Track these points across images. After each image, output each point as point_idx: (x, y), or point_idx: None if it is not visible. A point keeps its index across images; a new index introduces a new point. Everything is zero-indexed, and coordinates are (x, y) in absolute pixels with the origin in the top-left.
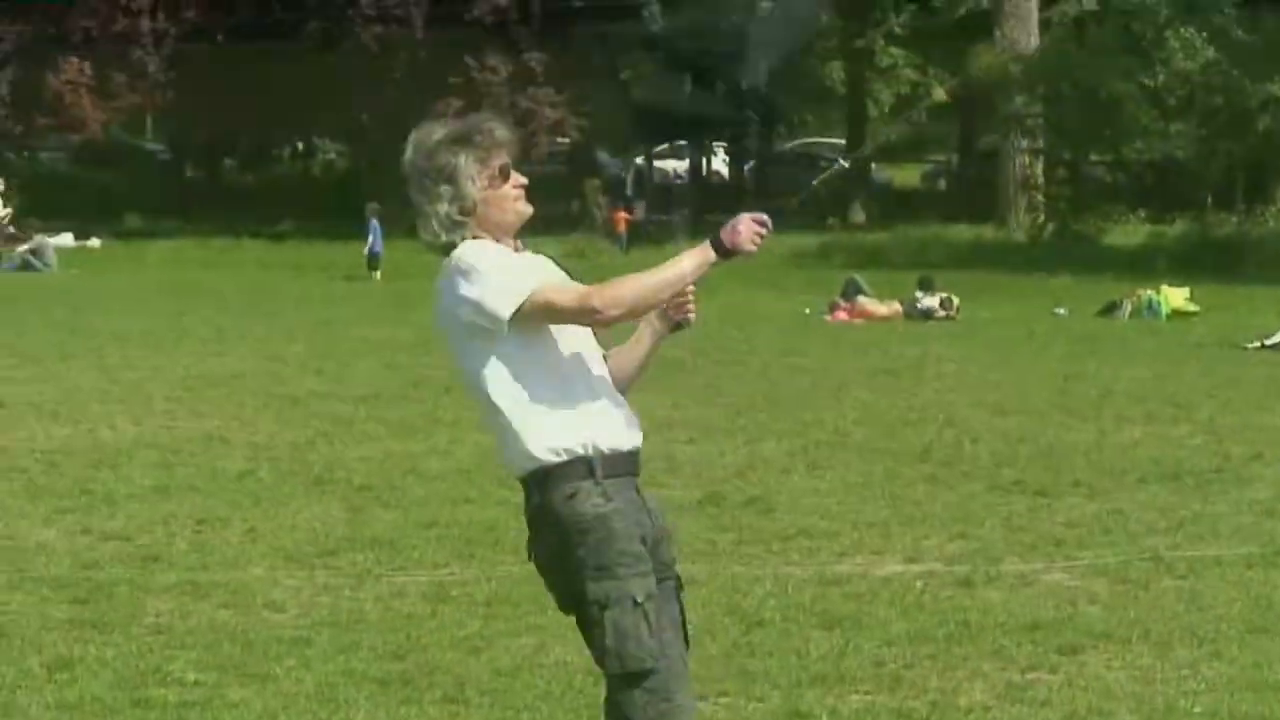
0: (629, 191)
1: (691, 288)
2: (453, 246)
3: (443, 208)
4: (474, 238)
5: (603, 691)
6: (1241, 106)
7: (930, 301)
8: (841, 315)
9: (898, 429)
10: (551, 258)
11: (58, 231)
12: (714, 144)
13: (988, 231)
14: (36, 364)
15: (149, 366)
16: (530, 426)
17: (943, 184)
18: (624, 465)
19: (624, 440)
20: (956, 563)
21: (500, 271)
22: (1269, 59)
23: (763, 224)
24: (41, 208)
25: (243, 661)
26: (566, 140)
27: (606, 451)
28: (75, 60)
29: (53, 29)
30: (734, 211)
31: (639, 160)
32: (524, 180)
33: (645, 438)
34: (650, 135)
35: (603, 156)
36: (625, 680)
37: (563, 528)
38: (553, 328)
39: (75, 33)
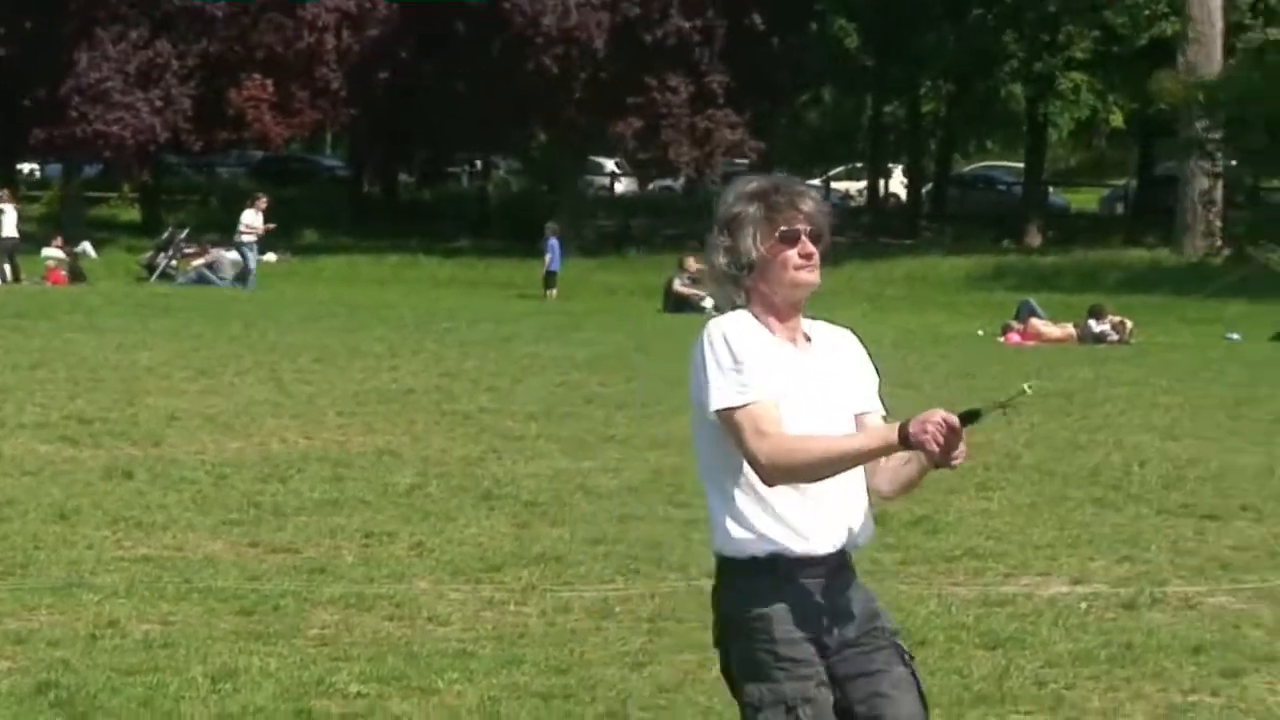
0: None
1: (962, 446)
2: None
3: (720, 260)
4: (744, 304)
5: None
6: None
7: (1103, 326)
8: (1015, 337)
9: (1067, 452)
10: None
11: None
12: (891, 165)
13: (1164, 255)
14: (210, 377)
15: (322, 381)
16: (723, 514)
17: (1120, 208)
18: (808, 570)
19: (817, 545)
20: (1122, 585)
21: (726, 362)
22: None
23: (952, 429)
24: (221, 223)
25: (406, 674)
26: (745, 161)
27: (789, 555)
28: (258, 77)
29: (237, 46)
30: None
31: (816, 181)
32: (813, 250)
33: None
34: (828, 156)
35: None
36: None
37: (725, 620)
38: (785, 414)
39: (259, 49)
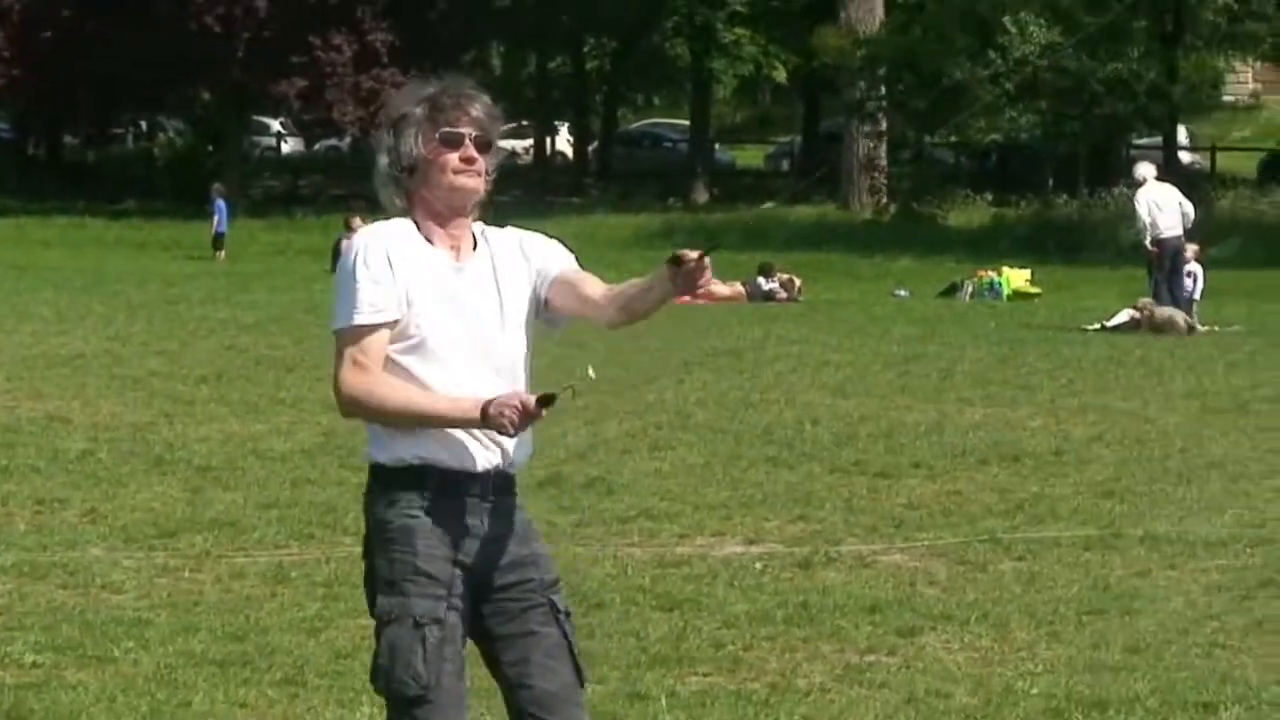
0: None
1: (537, 411)
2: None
3: (383, 160)
4: (404, 208)
5: None
6: (1086, 89)
7: (772, 284)
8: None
9: (739, 410)
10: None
11: None
12: (557, 123)
13: (830, 212)
14: None
15: None
16: (377, 426)
17: (786, 165)
18: (461, 486)
19: (471, 461)
20: (796, 544)
21: (349, 283)
22: (1113, 39)
23: (527, 410)
24: None
25: (81, 643)
26: None
27: (443, 467)
28: None
29: None
30: (576, 192)
31: None
32: (474, 155)
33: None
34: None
35: None
36: (394, 706)
37: (371, 527)
38: (425, 331)
39: None
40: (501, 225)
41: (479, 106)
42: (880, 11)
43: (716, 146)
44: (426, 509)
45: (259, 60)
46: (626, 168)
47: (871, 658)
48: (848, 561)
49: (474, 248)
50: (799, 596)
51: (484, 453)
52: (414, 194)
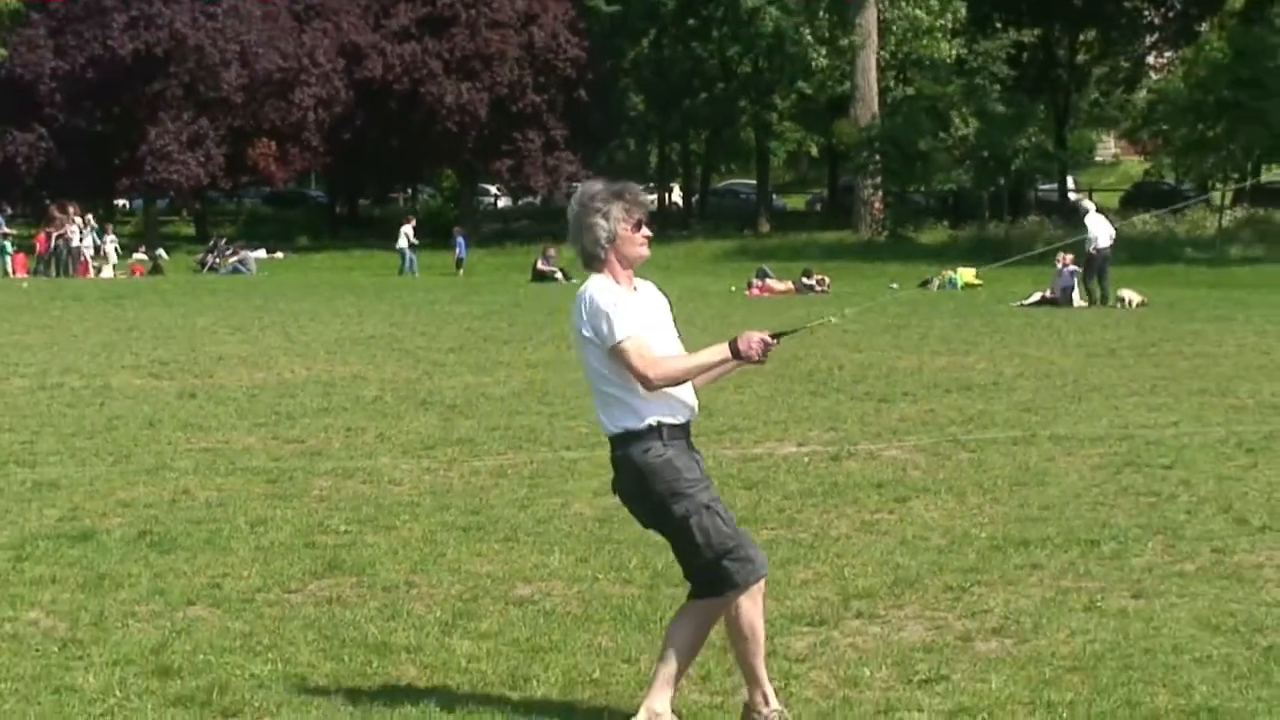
0: None
1: (772, 342)
2: (598, 264)
3: (593, 234)
4: (599, 269)
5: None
6: (1002, 155)
7: (811, 282)
8: (755, 291)
9: (792, 362)
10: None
11: (256, 248)
12: (671, 184)
13: (847, 235)
14: (243, 332)
15: (314, 332)
16: (625, 401)
17: (818, 207)
18: (680, 432)
19: (680, 417)
20: (829, 445)
21: (610, 315)
22: (1017, 125)
23: (766, 344)
24: (246, 234)
25: (375, 518)
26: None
27: (669, 423)
28: (265, 140)
29: (251, 120)
30: (685, 227)
31: None
32: (650, 234)
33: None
34: (631, 179)
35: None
36: (717, 560)
37: (640, 472)
38: (650, 332)
39: (265, 122)
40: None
41: (647, 200)
42: (875, 109)
43: (774, 196)
44: (668, 449)
45: (481, 148)
46: (716, 211)
47: (878, 516)
48: (862, 456)
49: (634, 290)
50: (831, 478)
51: (686, 411)
52: (610, 253)
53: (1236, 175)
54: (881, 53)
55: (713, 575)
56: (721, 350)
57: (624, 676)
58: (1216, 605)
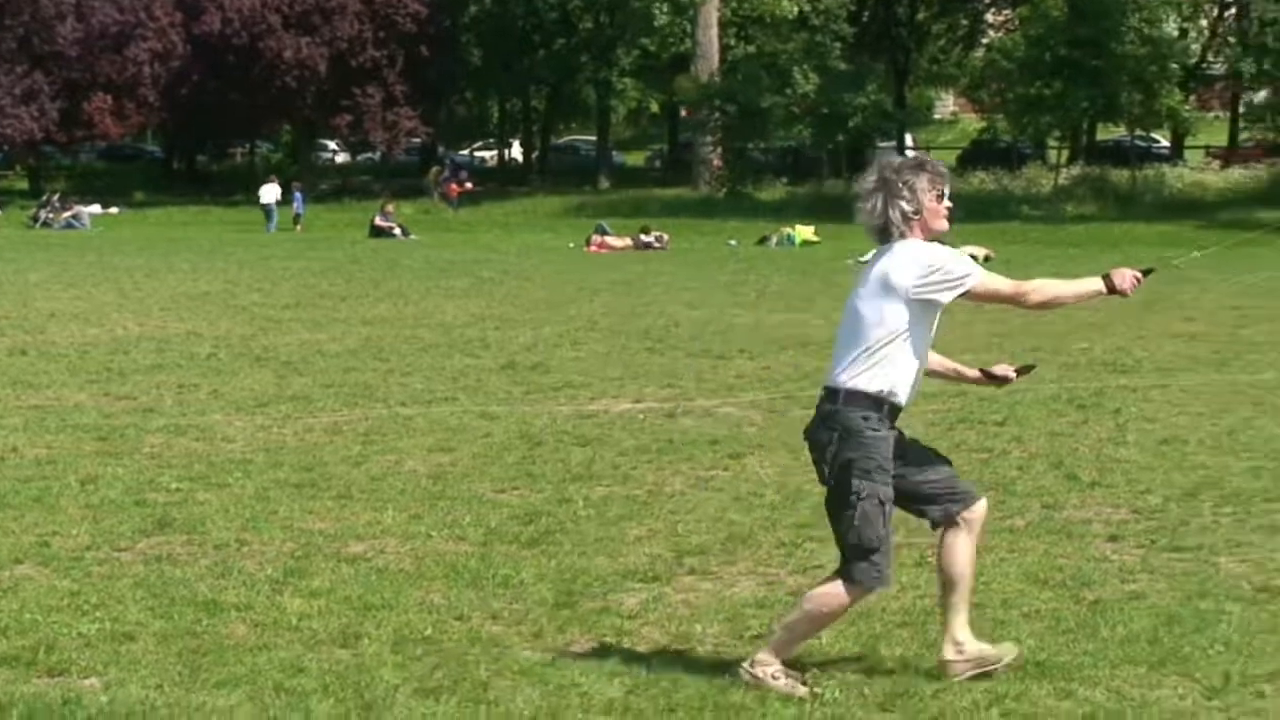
0: (460, 172)
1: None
2: (901, 236)
3: (905, 205)
4: (907, 230)
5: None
6: (841, 112)
7: (649, 238)
8: (594, 248)
9: (629, 318)
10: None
11: (91, 203)
12: (510, 140)
13: (686, 192)
14: (76, 288)
15: (149, 288)
16: (875, 362)
17: (658, 164)
18: (896, 415)
19: (906, 401)
20: (665, 402)
21: (953, 261)
22: (857, 82)
23: (1138, 279)
24: (81, 189)
25: (207, 475)
26: (418, 140)
27: (893, 402)
28: (101, 94)
29: (86, 74)
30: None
31: (464, 153)
32: (951, 205)
33: (465, 329)
34: (471, 134)
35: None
36: (856, 550)
37: (846, 432)
38: (931, 321)
39: (101, 77)
40: (477, 205)
41: (947, 172)
42: (715, 65)
43: (614, 153)
44: (883, 427)
45: (321, 103)
46: (556, 167)
47: (713, 473)
48: (698, 413)
49: None
50: (667, 435)
51: (912, 397)
52: (915, 224)
53: (1072, 133)
54: (723, 10)
55: (849, 559)
56: (1094, 285)
57: (456, 633)
58: (1045, 560)
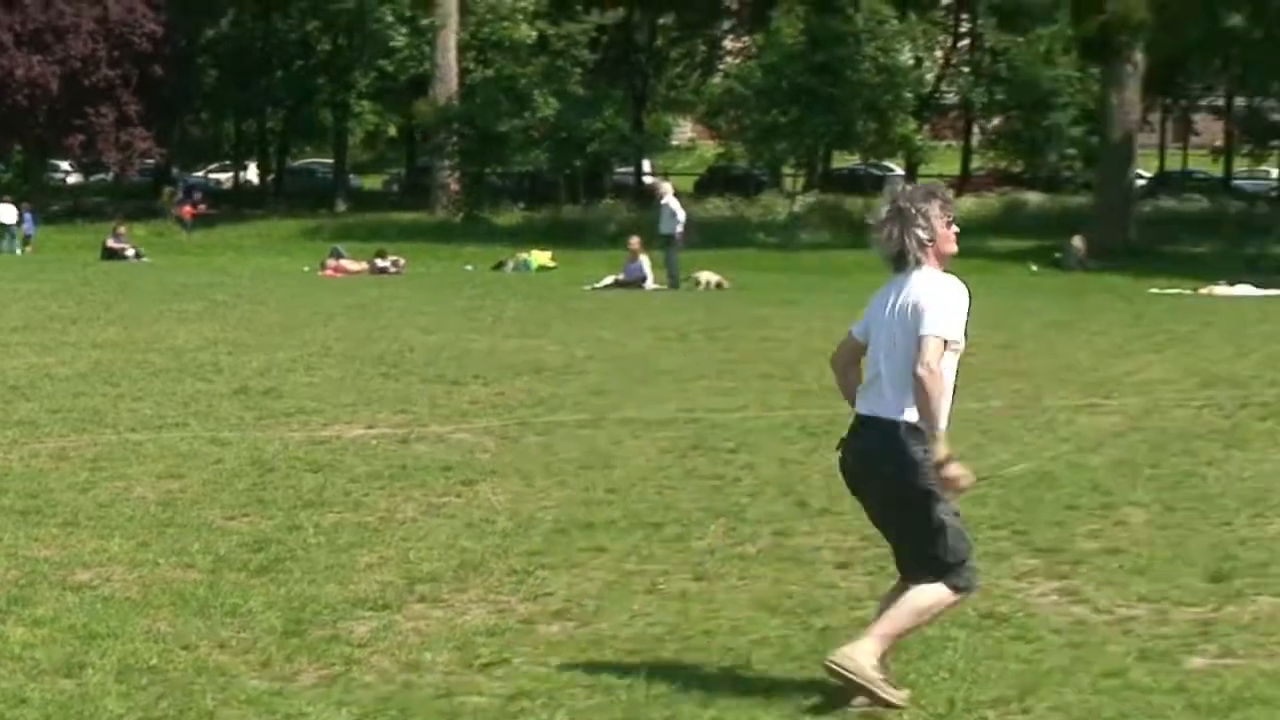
0: (193, 194)
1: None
2: (917, 263)
3: (921, 233)
4: (922, 257)
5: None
6: (580, 137)
7: (385, 263)
8: (330, 272)
9: (364, 343)
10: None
11: None
12: (246, 162)
13: (423, 216)
14: None
15: None
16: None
17: (395, 187)
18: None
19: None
20: (399, 428)
21: (959, 309)
22: (596, 107)
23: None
24: None
25: None
26: (152, 161)
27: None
28: None
29: None
30: (263, 205)
31: (199, 174)
32: (958, 231)
33: (197, 353)
34: (208, 156)
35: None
36: (952, 565)
37: (913, 464)
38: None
39: None
40: (212, 227)
41: (953, 198)
42: (454, 88)
43: (351, 176)
44: (930, 452)
45: (53, 123)
46: (293, 190)
47: (446, 499)
48: (431, 439)
49: None
50: (400, 461)
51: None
52: (930, 251)
53: (808, 160)
54: (462, 34)
55: (942, 575)
56: (941, 436)
57: (182, 662)
58: (775, 587)
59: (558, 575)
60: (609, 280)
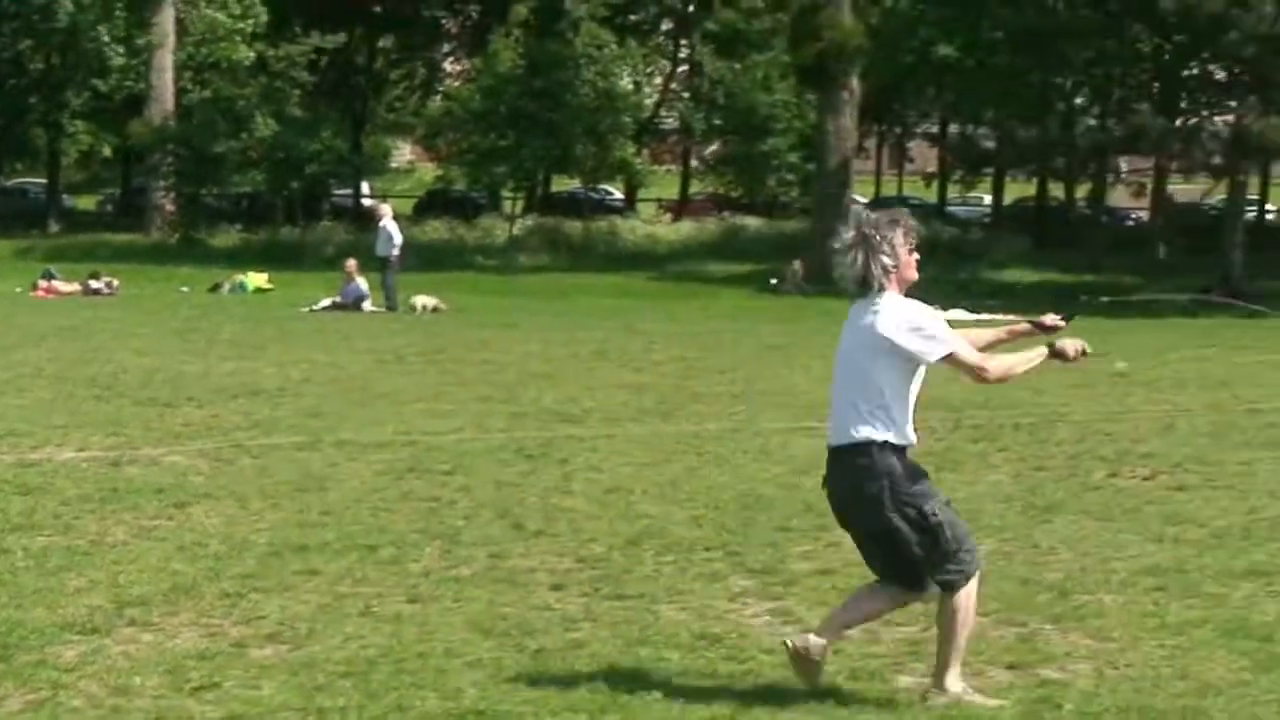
0: None
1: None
2: (880, 288)
3: (885, 259)
4: (886, 282)
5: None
6: (298, 159)
7: (99, 284)
8: (41, 293)
9: (76, 365)
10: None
11: None
12: None
13: (139, 238)
14: None
15: None
16: (898, 416)
17: (109, 208)
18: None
19: (913, 443)
20: (111, 450)
21: (938, 324)
22: (314, 129)
23: (1083, 351)
24: None
25: None
26: None
27: (904, 445)
28: None
29: None
30: None
31: None
32: (918, 257)
33: None
34: None
35: None
36: (955, 550)
37: (892, 476)
38: (919, 373)
39: None
40: None
41: (914, 221)
42: (170, 108)
43: (64, 196)
44: (902, 461)
45: None
46: (4, 210)
47: (157, 522)
48: (144, 461)
49: None
50: (111, 484)
51: (914, 437)
52: (893, 276)
53: (527, 184)
54: (179, 54)
55: (950, 564)
56: (1042, 351)
57: None
58: (490, 609)
59: (270, 598)
60: (327, 302)
